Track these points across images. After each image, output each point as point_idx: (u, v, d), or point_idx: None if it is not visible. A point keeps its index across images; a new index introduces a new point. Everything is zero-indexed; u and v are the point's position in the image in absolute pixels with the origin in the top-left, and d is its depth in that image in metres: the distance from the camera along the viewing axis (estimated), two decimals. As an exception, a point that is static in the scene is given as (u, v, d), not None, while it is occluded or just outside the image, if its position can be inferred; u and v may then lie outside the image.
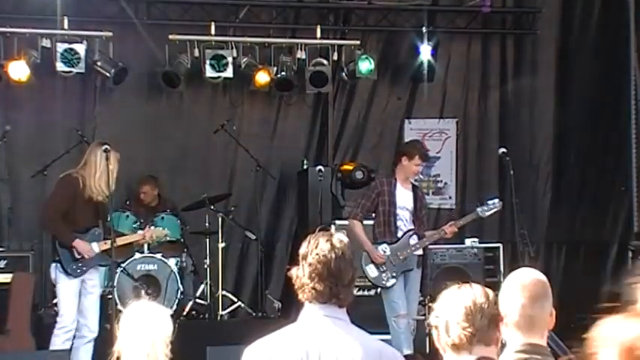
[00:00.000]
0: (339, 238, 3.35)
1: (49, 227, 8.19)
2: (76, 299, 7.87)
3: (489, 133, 11.46)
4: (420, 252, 8.44)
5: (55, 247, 7.89)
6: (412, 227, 8.42)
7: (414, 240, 8.39)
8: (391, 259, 8.31)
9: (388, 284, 8.31)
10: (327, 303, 3.28)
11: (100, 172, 7.70)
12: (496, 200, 8.48)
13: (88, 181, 7.71)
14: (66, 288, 7.84)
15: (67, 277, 7.81)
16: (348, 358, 3.21)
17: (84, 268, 7.84)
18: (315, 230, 3.48)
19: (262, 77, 10.43)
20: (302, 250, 3.35)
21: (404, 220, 8.46)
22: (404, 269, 8.32)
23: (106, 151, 7.81)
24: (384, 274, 8.32)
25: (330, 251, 3.28)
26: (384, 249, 8.36)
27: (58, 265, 7.83)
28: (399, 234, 8.40)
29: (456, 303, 3.03)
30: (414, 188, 8.61)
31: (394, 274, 8.30)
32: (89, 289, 7.95)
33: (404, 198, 8.48)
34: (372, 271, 8.37)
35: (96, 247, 7.87)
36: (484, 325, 2.99)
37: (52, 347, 7.82)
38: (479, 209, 8.48)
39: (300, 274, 3.31)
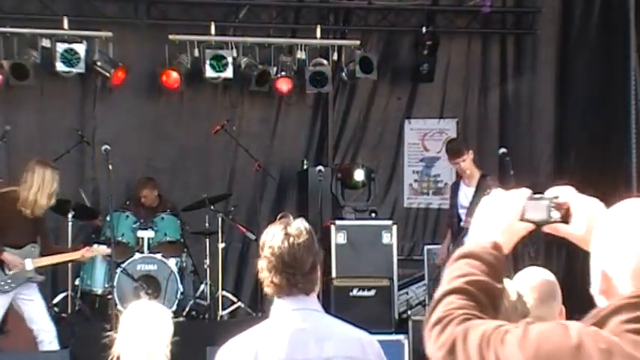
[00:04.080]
0: (297, 225, 3.25)
1: None
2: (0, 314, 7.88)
3: (489, 133, 11.45)
4: None
5: None
6: (464, 226, 8.52)
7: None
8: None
9: None
10: (292, 295, 3.20)
11: (36, 187, 7.73)
12: None
13: (24, 196, 7.74)
14: None
15: None
16: (329, 350, 3.15)
17: (12, 285, 7.84)
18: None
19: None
20: (260, 242, 3.28)
21: (463, 220, 8.58)
22: None
23: (106, 151, 7.89)
24: None
25: (283, 241, 3.19)
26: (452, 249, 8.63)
27: None
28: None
29: None
30: (480, 184, 8.63)
31: None
32: (26, 299, 7.96)
33: (464, 197, 8.65)
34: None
35: (29, 264, 7.84)
36: None
37: None
38: None
39: (261, 266, 3.25)
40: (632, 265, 2.04)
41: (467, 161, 8.64)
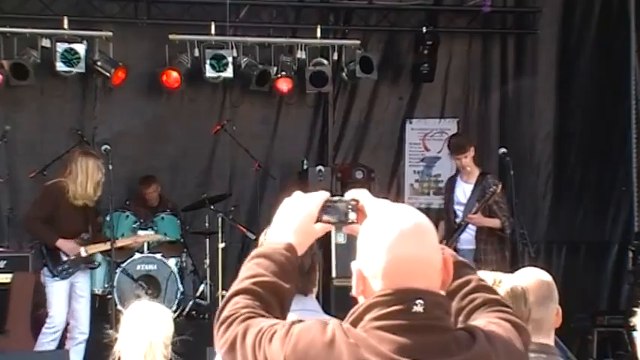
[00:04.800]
0: None
1: (30, 231, 8.46)
2: (66, 301, 8.06)
3: (489, 133, 11.44)
4: (469, 246, 8.45)
5: (42, 251, 8.02)
6: (462, 222, 8.50)
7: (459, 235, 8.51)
8: None
9: None
10: None
11: (82, 177, 7.90)
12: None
13: (72, 187, 7.90)
14: (55, 290, 8.02)
15: (54, 280, 7.95)
16: None
17: (70, 270, 8.01)
18: None
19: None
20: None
21: (460, 216, 8.54)
22: None
23: (106, 151, 7.98)
24: None
25: None
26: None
27: (46, 268, 8.00)
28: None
29: None
30: (479, 181, 8.59)
31: None
32: (79, 293, 8.15)
33: (461, 193, 8.61)
34: None
35: (83, 252, 7.98)
36: None
37: (38, 346, 7.95)
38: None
39: None
40: (382, 264, 2.15)
41: (468, 158, 8.63)
